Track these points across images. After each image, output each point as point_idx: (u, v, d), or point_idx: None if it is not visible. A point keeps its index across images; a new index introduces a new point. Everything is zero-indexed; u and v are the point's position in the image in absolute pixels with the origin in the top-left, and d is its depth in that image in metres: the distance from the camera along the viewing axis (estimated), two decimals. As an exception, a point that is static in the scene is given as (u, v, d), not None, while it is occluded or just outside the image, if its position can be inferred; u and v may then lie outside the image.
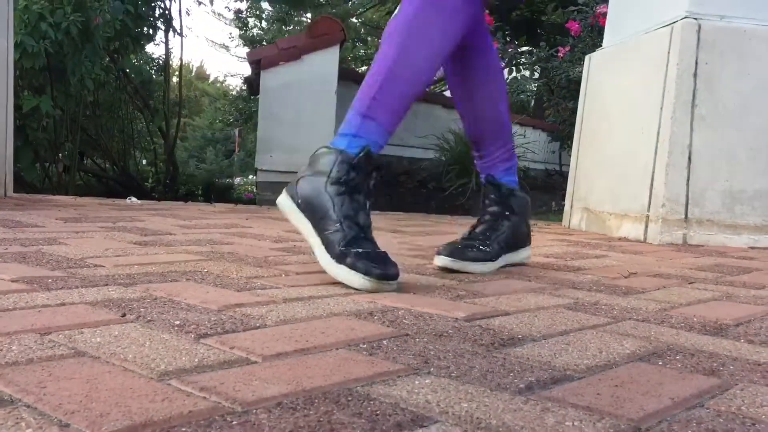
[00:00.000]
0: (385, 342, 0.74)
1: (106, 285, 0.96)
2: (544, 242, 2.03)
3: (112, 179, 5.48)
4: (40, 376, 0.55)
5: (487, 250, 1.34)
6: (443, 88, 9.83)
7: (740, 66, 2.17)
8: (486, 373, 0.64)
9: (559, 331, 0.84)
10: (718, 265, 1.65)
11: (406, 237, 1.98)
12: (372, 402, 0.54)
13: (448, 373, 0.63)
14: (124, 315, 0.79)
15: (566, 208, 2.83)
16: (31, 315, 0.76)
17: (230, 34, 31.09)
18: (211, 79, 37.49)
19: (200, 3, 6.06)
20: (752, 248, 2.14)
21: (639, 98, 2.34)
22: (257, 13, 17.40)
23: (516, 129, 5.07)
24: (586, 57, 2.84)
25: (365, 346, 0.72)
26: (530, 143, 5.02)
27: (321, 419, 0.49)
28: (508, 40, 5.50)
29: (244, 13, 17.52)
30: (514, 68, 4.44)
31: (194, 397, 0.52)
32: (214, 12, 29.40)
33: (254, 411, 0.50)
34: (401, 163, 5.66)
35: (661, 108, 2.20)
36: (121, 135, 5.92)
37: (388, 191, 5.01)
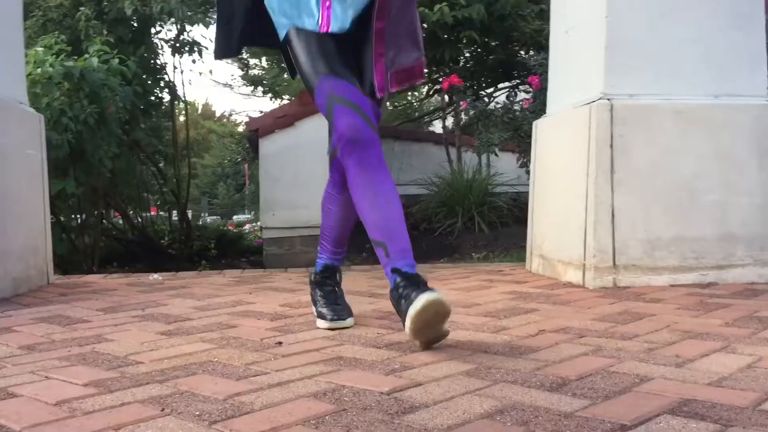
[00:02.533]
0: (327, 417, 1.18)
1: (148, 383, 1.41)
2: (493, 296, 2.47)
3: (132, 241, 5.97)
4: (123, 460, 1.00)
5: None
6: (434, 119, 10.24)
7: (648, 136, 2.62)
8: (380, 437, 1.08)
9: (447, 398, 1.28)
10: (623, 312, 2.08)
11: (383, 303, 2.41)
12: (305, 462, 0.98)
13: (356, 439, 1.07)
14: (163, 410, 1.24)
15: (528, 253, 3.27)
16: (106, 415, 1.21)
17: (232, 75, 31.78)
18: (218, 114, 38.31)
19: (201, 73, 6.44)
20: (672, 286, 2.57)
21: (572, 163, 2.78)
22: (257, 54, 18.02)
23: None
24: (534, 123, 3.30)
25: (314, 422, 1.16)
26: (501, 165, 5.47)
27: (274, 475, 0.93)
28: (480, 95, 5.97)
29: (245, 54, 18.14)
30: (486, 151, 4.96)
31: (208, 467, 0.96)
32: (211, 40, 30.01)
33: (240, 473, 0.94)
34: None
35: (587, 173, 2.64)
36: (138, 199, 6.44)
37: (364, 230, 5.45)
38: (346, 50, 1.84)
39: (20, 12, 3.06)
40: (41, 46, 4.40)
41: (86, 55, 4.43)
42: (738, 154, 2.64)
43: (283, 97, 13.91)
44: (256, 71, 20.35)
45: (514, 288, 2.66)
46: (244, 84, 19.92)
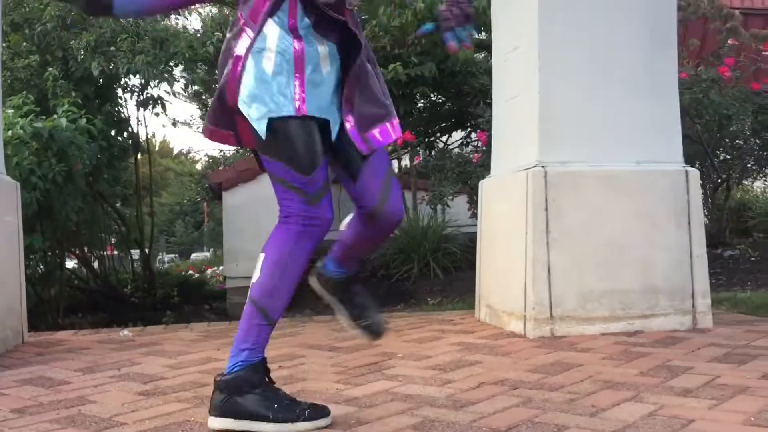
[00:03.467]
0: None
1: (135, 444, 1.61)
2: (443, 348, 2.71)
3: (95, 291, 6.08)
4: None
5: None
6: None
7: (578, 199, 2.91)
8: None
9: (395, 450, 1.51)
10: (555, 363, 2.34)
11: (342, 356, 2.63)
12: None
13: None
14: (151, 469, 1.44)
15: (476, 303, 3.53)
16: (103, 475, 1.41)
17: (191, 115, 31.79)
18: (176, 152, 38.21)
19: (158, 114, 6.53)
20: (603, 334, 2.84)
21: (512, 223, 3.06)
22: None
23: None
24: (480, 182, 3.59)
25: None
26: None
27: None
28: (435, 144, 6.31)
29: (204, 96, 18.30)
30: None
31: None
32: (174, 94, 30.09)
33: None
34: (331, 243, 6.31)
35: (526, 233, 2.92)
36: (97, 241, 6.56)
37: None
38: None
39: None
40: (11, 107, 4.57)
41: (55, 116, 4.62)
42: (658, 215, 2.95)
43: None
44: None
45: (461, 339, 2.90)
46: (201, 124, 19.96)
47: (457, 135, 7.14)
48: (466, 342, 2.83)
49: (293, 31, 1.74)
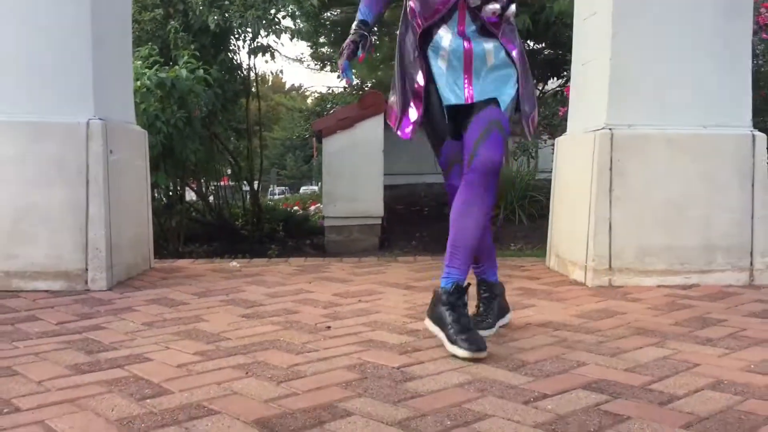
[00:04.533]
0: (353, 382, 1.79)
1: (235, 355, 2.05)
2: (508, 291, 3.02)
3: (210, 223, 6.73)
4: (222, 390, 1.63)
5: (490, 321, 2.33)
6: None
7: (642, 160, 3.10)
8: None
9: (437, 372, 1.86)
10: (601, 310, 2.61)
11: (415, 295, 3.00)
12: (327, 411, 1.59)
13: (373, 400, 1.67)
14: (246, 373, 1.87)
15: (547, 252, 3.80)
16: (211, 375, 1.85)
17: (302, 52, 32.43)
18: (287, 87, 39.32)
19: (274, 52, 6.92)
20: (659, 286, 3.07)
21: (580, 180, 3.29)
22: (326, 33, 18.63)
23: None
24: (556, 140, 3.80)
25: (344, 384, 1.77)
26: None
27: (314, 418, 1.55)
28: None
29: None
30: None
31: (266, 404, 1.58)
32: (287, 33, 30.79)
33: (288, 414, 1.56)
34: (420, 188, 6.62)
35: (590, 191, 3.15)
36: (217, 180, 7.21)
37: (436, 223, 6.03)
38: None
39: (130, 46, 3.74)
40: (138, 58, 5.11)
41: (176, 66, 5.13)
42: (721, 177, 3.10)
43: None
44: (324, 49, 20.99)
45: (525, 284, 3.20)
46: (313, 61, 20.48)
47: (554, 84, 7.21)
48: (528, 287, 3.13)
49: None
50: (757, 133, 3.13)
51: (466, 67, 2.15)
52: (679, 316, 2.50)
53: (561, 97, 5.78)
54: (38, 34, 3.05)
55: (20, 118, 3.02)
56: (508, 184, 5.72)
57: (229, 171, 7.66)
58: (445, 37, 2.17)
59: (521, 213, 5.62)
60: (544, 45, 6.60)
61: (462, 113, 2.18)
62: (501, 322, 2.38)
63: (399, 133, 2.28)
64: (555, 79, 7.05)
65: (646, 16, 3.12)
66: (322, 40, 18.84)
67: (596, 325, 2.39)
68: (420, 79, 2.20)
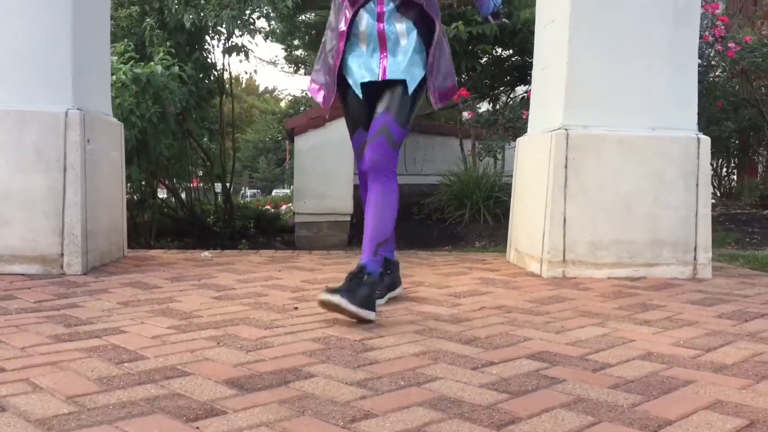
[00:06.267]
0: (317, 351, 1.93)
1: (207, 329, 2.18)
2: (464, 281, 3.19)
3: (182, 219, 6.82)
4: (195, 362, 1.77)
5: (379, 293, 2.51)
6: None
7: (595, 159, 3.30)
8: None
9: (395, 344, 2.02)
10: (552, 297, 2.79)
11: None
12: (292, 372, 1.74)
13: (335, 365, 1.82)
14: (218, 343, 2.01)
15: (508, 246, 3.98)
16: (185, 345, 1.98)
17: (276, 56, 32.56)
18: (261, 89, 39.32)
19: (248, 51, 7.06)
20: (609, 278, 3.26)
21: (538, 178, 3.47)
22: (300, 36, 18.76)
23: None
24: (517, 140, 3.99)
25: (308, 353, 1.91)
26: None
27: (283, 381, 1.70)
28: (497, 96, 6.63)
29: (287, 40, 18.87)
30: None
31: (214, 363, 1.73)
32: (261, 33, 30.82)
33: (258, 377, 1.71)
34: (420, 190, 6.82)
35: (547, 188, 3.34)
36: (188, 180, 7.29)
37: (404, 222, 6.19)
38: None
39: (108, 41, 3.85)
40: (114, 54, 5.20)
41: (151, 63, 5.23)
42: (668, 177, 3.31)
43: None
44: (298, 52, 21.09)
45: (484, 275, 3.38)
46: (287, 64, 20.56)
47: (521, 90, 7.43)
48: (487, 278, 3.30)
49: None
50: (701, 136, 3.34)
51: (381, 45, 2.49)
52: (623, 302, 2.69)
53: (526, 102, 5.97)
54: (22, 26, 3.15)
55: (3, 107, 3.12)
56: (474, 185, 5.91)
57: (200, 173, 7.76)
58: (362, 20, 2.49)
59: (486, 213, 5.81)
60: (511, 52, 6.81)
61: (376, 95, 2.52)
62: (390, 294, 2.67)
63: (320, 102, 2.64)
64: (523, 85, 7.27)
65: (601, 25, 3.32)
66: (296, 42, 18.94)
67: (545, 309, 2.56)
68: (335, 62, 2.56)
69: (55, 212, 3.14)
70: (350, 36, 2.52)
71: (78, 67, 3.26)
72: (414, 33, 2.51)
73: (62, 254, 3.14)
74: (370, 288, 2.31)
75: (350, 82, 2.57)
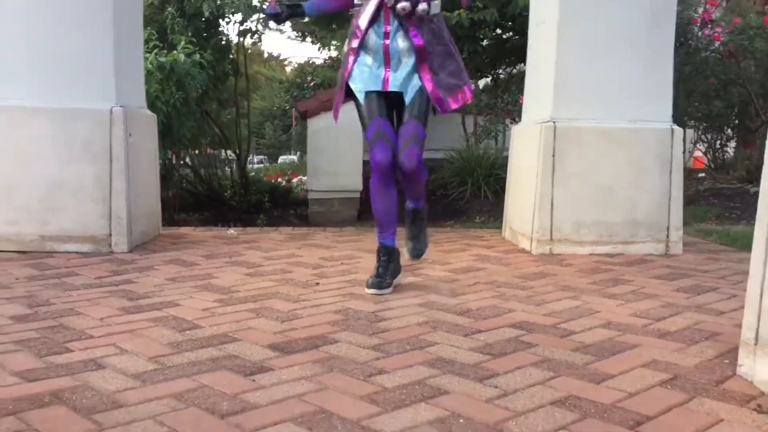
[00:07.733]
0: (339, 321, 2.38)
1: (246, 302, 2.63)
2: (463, 257, 3.62)
3: (202, 194, 7.27)
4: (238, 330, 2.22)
5: (389, 281, 2.91)
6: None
7: (580, 149, 3.71)
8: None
9: (402, 315, 2.46)
10: (539, 273, 3.22)
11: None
12: (308, 340, 2.19)
13: (354, 333, 2.27)
14: (257, 315, 2.46)
15: (503, 225, 4.41)
16: (230, 316, 2.43)
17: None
18: (266, 56, 39.39)
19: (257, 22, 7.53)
20: (590, 254, 3.69)
21: (529, 164, 3.89)
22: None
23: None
24: (512, 128, 4.39)
25: (331, 323, 2.36)
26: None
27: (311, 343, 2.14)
28: (499, 75, 6.95)
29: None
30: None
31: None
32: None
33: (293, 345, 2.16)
34: (425, 164, 7.23)
35: (537, 173, 3.75)
36: (200, 150, 7.72)
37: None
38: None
39: (141, 38, 4.25)
40: (139, 43, 5.59)
41: (174, 51, 5.62)
42: (645, 164, 3.72)
43: (331, 45, 14.68)
44: (305, 19, 21.22)
45: (482, 252, 3.81)
46: (294, 32, 20.77)
47: (522, 67, 7.77)
48: (483, 254, 3.74)
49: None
50: (675, 127, 3.74)
51: (386, 60, 2.85)
52: (598, 278, 3.13)
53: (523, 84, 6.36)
54: (69, 31, 3.56)
55: (57, 105, 3.54)
56: (476, 162, 6.32)
57: (208, 140, 8.19)
58: (370, 38, 2.85)
59: (487, 189, 6.23)
60: (512, 33, 7.16)
61: (389, 97, 2.89)
62: (396, 281, 2.95)
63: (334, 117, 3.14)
64: (522, 64, 7.61)
65: (587, 26, 3.69)
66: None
67: (530, 284, 3.00)
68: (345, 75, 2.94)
69: (102, 198, 3.58)
70: (359, 51, 2.88)
71: (119, 67, 3.67)
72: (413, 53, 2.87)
73: (110, 234, 3.59)
74: (425, 223, 3.08)
75: (354, 89, 2.91)
